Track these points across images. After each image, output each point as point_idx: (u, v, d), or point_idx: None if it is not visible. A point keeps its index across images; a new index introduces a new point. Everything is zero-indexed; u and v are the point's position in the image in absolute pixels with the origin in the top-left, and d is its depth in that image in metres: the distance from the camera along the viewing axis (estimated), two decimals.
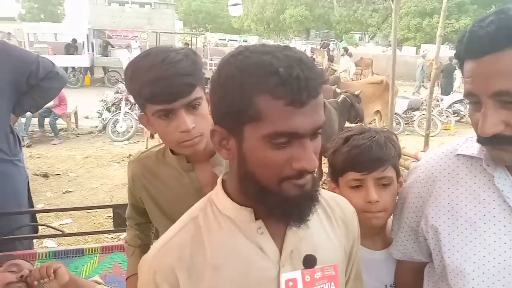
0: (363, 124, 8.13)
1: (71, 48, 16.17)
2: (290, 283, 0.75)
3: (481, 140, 0.88)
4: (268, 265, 0.76)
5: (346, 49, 15.88)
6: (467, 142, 0.99)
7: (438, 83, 12.74)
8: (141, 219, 1.43)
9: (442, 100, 10.52)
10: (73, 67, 15.68)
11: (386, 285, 1.22)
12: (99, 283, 1.62)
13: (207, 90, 1.10)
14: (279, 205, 0.72)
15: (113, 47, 17.14)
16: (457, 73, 13.19)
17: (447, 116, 10.12)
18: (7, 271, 1.56)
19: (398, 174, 1.20)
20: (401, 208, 1.13)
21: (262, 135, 0.67)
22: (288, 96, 0.64)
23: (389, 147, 1.16)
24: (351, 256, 0.91)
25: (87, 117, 9.69)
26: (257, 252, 0.76)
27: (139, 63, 1.09)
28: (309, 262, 0.77)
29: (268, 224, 0.77)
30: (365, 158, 1.13)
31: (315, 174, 0.77)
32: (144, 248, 1.43)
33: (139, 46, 16.17)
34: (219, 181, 0.83)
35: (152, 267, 0.77)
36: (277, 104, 0.65)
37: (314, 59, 18.34)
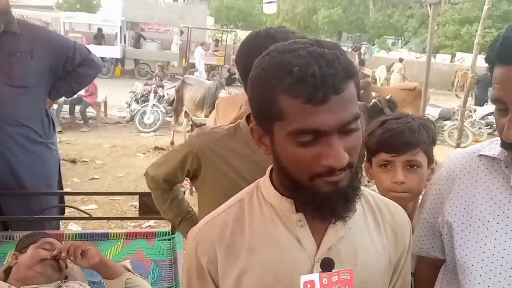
0: None
1: (99, 37, 16.47)
2: (308, 285, 0.75)
3: (504, 145, 0.89)
4: (303, 258, 0.77)
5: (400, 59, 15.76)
6: (491, 144, 1.02)
7: (472, 93, 12.39)
8: (165, 186, 1.45)
9: (475, 111, 10.23)
10: (103, 58, 16.00)
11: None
12: (128, 270, 1.63)
13: None
14: (310, 200, 0.73)
15: (145, 39, 17.38)
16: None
17: (479, 128, 9.82)
18: (41, 247, 1.60)
19: (430, 160, 1.25)
20: (423, 204, 1.18)
21: (286, 133, 0.69)
22: (304, 94, 0.65)
23: (422, 133, 1.21)
24: (398, 267, 0.89)
25: (117, 108, 9.88)
26: (294, 243, 0.77)
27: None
28: (327, 265, 0.77)
29: (310, 219, 0.78)
30: (396, 141, 1.20)
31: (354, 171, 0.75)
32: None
33: (180, 41, 16.35)
34: (268, 169, 0.85)
35: (196, 239, 0.83)
36: (295, 102, 0.66)
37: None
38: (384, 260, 0.84)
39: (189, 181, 1.44)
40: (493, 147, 1.00)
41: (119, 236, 2.20)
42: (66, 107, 8.11)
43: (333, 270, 0.77)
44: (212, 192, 1.28)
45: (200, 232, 0.83)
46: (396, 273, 0.89)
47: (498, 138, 0.94)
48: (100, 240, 2.17)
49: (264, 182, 0.84)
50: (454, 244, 0.99)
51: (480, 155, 1.01)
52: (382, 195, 1.23)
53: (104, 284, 1.86)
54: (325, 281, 0.76)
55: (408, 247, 0.91)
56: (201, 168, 1.28)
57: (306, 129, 0.67)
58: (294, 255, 0.77)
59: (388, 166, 1.23)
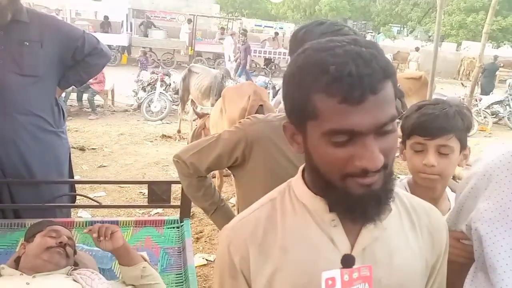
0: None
1: (105, 25, 16.42)
2: (330, 282, 0.75)
3: None
4: (337, 258, 0.76)
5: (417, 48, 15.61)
6: None
7: (478, 82, 12.28)
8: (203, 174, 1.45)
9: (480, 100, 10.16)
10: (109, 45, 15.99)
11: None
12: (145, 260, 1.67)
13: None
14: (342, 200, 0.72)
15: (155, 27, 17.28)
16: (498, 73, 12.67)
17: (485, 117, 9.77)
18: (47, 236, 1.62)
19: (462, 146, 1.28)
20: (457, 196, 1.14)
21: (320, 133, 0.68)
22: (341, 94, 0.64)
23: (457, 120, 1.24)
24: (434, 269, 0.87)
25: (124, 96, 9.91)
26: (327, 243, 0.77)
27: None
28: (348, 261, 0.76)
29: (344, 219, 0.77)
30: (430, 125, 1.24)
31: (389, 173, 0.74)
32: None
33: (189, 29, 16.23)
34: (300, 168, 0.84)
35: (228, 237, 0.83)
36: (331, 102, 0.65)
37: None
38: (421, 263, 0.82)
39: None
40: None
41: (129, 224, 2.23)
42: (73, 95, 8.15)
43: (354, 267, 0.76)
44: (265, 179, 1.26)
45: (233, 230, 0.83)
46: (432, 277, 0.87)
47: None
48: None
49: (297, 181, 0.83)
50: (485, 241, 0.94)
51: None
52: (412, 176, 1.31)
53: (115, 271, 1.92)
54: (346, 278, 0.76)
55: (445, 250, 0.89)
56: (251, 156, 1.27)
57: (341, 129, 0.66)
58: (327, 256, 0.76)
59: (421, 149, 1.27)
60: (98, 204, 2.35)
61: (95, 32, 15.60)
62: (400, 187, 1.35)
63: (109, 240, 1.56)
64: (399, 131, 1.31)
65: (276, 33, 18.11)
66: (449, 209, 1.31)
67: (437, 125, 1.23)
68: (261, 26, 20.99)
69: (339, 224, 0.77)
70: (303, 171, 0.83)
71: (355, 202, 0.71)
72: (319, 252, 0.76)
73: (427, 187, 1.30)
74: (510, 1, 27.19)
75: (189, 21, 16.78)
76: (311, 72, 0.67)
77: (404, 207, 0.85)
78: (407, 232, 0.82)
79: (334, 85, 0.64)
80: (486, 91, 12.06)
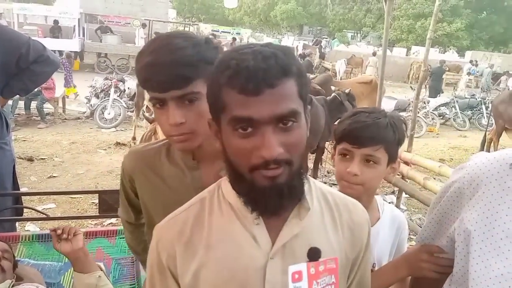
0: None
1: (55, 30, 15.87)
2: (296, 276, 0.77)
3: None
4: (258, 254, 0.79)
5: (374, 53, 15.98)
6: None
7: (425, 86, 12.90)
8: (140, 219, 1.31)
9: (428, 102, 10.67)
10: (60, 51, 15.45)
11: None
12: (101, 269, 1.62)
13: None
14: (247, 192, 0.77)
15: (112, 32, 16.85)
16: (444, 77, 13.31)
17: (433, 119, 10.27)
18: None
19: (391, 159, 1.25)
20: (437, 201, 1.11)
21: (226, 122, 0.74)
22: (238, 85, 0.70)
23: (388, 131, 1.22)
24: (355, 265, 0.91)
25: (76, 103, 9.60)
26: (249, 240, 0.80)
27: (145, 46, 1.04)
28: (314, 254, 0.79)
29: (267, 217, 0.80)
30: (359, 133, 1.21)
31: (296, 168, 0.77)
32: None
33: (145, 34, 15.89)
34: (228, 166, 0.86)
35: (157, 235, 0.86)
36: (232, 93, 0.71)
37: (306, 55, 18.38)
38: (340, 258, 0.85)
39: None
40: None
41: None
42: (21, 103, 7.81)
43: (320, 260, 0.79)
44: (155, 209, 1.19)
45: (162, 229, 0.86)
46: (354, 270, 0.91)
47: None
48: None
49: (225, 180, 0.86)
50: (470, 254, 0.92)
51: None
52: (337, 182, 1.29)
53: (64, 285, 1.86)
54: (313, 271, 0.78)
55: (366, 245, 0.92)
56: (136, 189, 1.21)
57: (241, 116, 0.71)
58: (249, 253, 0.79)
59: (347, 156, 1.24)
60: (45, 216, 2.27)
61: (44, 37, 15.04)
62: None
63: (69, 241, 1.50)
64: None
65: (234, 38, 18.22)
66: (378, 219, 1.31)
67: (366, 134, 1.20)
68: (218, 31, 21.01)
69: (261, 223, 0.81)
70: None
71: (259, 193, 0.75)
72: (241, 249, 0.80)
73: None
74: (454, 9, 28.81)
75: (144, 25, 16.52)
76: (219, 68, 0.74)
77: (327, 204, 0.89)
78: (327, 228, 0.86)
79: (234, 77, 0.71)
80: (434, 94, 12.67)
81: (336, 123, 1.37)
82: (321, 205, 0.88)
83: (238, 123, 0.72)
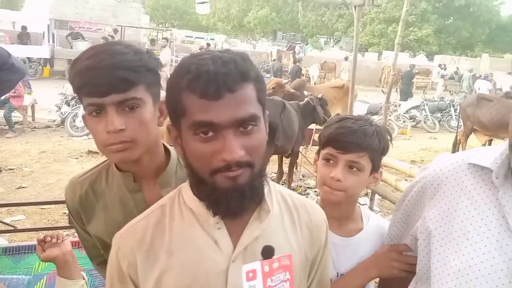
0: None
1: (24, 36, 15.40)
2: (250, 274, 0.79)
3: None
4: (220, 258, 0.80)
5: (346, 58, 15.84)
6: (482, 152, 0.96)
7: (397, 89, 13.20)
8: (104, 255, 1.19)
9: (399, 105, 10.93)
10: (29, 58, 15.06)
11: (338, 273, 1.25)
12: (84, 279, 1.58)
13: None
14: (209, 195, 0.78)
15: (84, 38, 16.50)
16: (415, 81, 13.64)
17: (404, 121, 10.53)
18: None
19: (374, 168, 1.24)
20: (402, 201, 1.15)
21: (187, 127, 0.75)
22: (199, 89, 0.71)
23: (374, 139, 1.21)
24: (315, 264, 0.94)
25: (46, 111, 9.36)
26: (211, 245, 0.81)
27: (84, 53, 0.98)
28: (268, 253, 0.81)
29: (228, 221, 0.82)
30: (345, 138, 1.20)
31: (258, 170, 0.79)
32: None
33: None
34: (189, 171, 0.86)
35: (117, 243, 0.86)
36: (193, 97, 0.72)
37: (280, 60, 18.53)
38: (300, 258, 0.88)
39: None
40: (484, 156, 0.93)
41: None
42: None
43: (274, 257, 0.81)
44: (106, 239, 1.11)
45: (121, 237, 0.86)
46: (313, 269, 0.95)
47: (489, 147, 0.92)
48: (28, 253, 2.09)
49: (186, 187, 0.86)
50: (431, 252, 0.95)
51: (470, 163, 0.95)
52: (319, 187, 1.27)
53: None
54: (267, 269, 0.80)
55: (325, 244, 0.96)
56: (84, 221, 1.14)
57: (202, 121, 0.72)
58: (211, 257, 0.80)
59: (331, 161, 1.23)
60: (12, 228, 2.20)
61: (12, 43, 14.63)
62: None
63: (56, 246, 1.43)
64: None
65: (208, 44, 18.17)
66: (361, 230, 1.29)
67: (352, 140, 1.19)
68: (191, 37, 20.94)
69: (223, 227, 0.82)
70: None
71: (220, 195, 0.76)
72: (202, 254, 0.81)
73: (331, 204, 1.25)
74: (423, 14, 29.66)
75: (115, 31, 16.30)
76: (179, 73, 0.75)
77: (287, 207, 0.92)
78: (287, 229, 0.88)
79: (194, 82, 0.72)
80: (404, 98, 12.98)
81: (322, 127, 1.35)
82: (280, 207, 0.90)
83: (199, 128, 0.73)
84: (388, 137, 1.27)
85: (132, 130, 0.96)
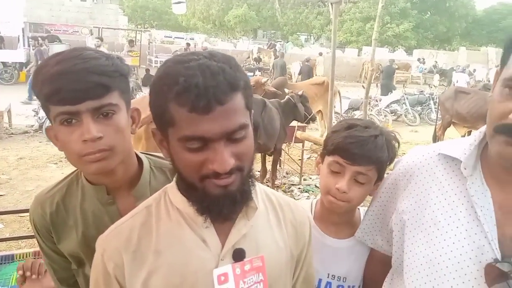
0: (319, 122, 8.11)
1: None
2: (222, 278, 0.78)
3: (500, 128, 0.82)
4: (208, 257, 0.80)
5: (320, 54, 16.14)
6: (453, 143, 0.98)
7: (377, 84, 13.36)
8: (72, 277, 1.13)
9: (380, 100, 11.07)
10: (4, 63, 14.72)
11: (329, 274, 1.25)
12: None
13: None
14: (200, 200, 0.78)
15: (60, 41, 16.20)
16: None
17: (385, 115, 10.65)
18: None
19: (379, 178, 1.20)
20: (377, 194, 1.17)
21: (176, 138, 0.74)
22: (188, 103, 0.69)
23: (383, 152, 1.16)
24: (300, 259, 0.95)
25: (23, 116, 9.16)
26: (199, 244, 0.81)
27: (49, 59, 0.92)
28: (239, 255, 0.81)
29: (215, 220, 0.81)
30: (355, 150, 1.15)
31: (252, 173, 0.80)
32: None
33: (98, 42, 15.23)
34: (177, 174, 0.85)
35: (102, 246, 0.84)
36: (182, 111, 0.70)
37: (260, 59, 18.57)
38: (286, 254, 0.89)
39: None
40: (455, 147, 0.95)
41: (27, 256, 2.07)
42: None
43: (245, 259, 0.80)
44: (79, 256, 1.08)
45: (106, 239, 0.84)
46: (299, 265, 0.96)
47: (460, 138, 0.92)
48: (5, 263, 2.04)
49: (172, 187, 0.86)
50: (404, 242, 0.97)
51: (440, 154, 0.98)
52: (322, 195, 1.24)
53: None
54: (238, 271, 0.79)
55: (309, 241, 0.97)
56: (55, 240, 1.07)
57: (193, 136, 0.71)
58: (199, 255, 0.80)
59: (338, 171, 1.19)
60: None
61: None
62: (307, 204, 1.36)
63: (37, 281, 1.30)
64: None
65: (188, 44, 18.07)
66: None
67: (362, 152, 1.14)
68: (171, 37, 20.79)
69: (210, 226, 0.82)
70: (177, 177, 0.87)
71: (212, 201, 0.76)
72: (191, 253, 0.80)
73: (331, 211, 1.23)
74: (403, 11, 30.09)
75: (91, 32, 16.05)
76: (166, 82, 0.72)
77: (272, 205, 0.92)
78: (273, 227, 0.89)
79: (183, 95, 0.69)
80: (385, 92, 13.13)
81: (330, 131, 1.30)
82: (266, 205, 0.91)
83: (188, 141, 0.72)
84: (396, 145, 1.23)
85: (109, 137, 0.92)
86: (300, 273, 0.96)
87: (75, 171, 1.11)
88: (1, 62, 14.66)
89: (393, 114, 11.32)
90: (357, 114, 9.75)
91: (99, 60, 0.91)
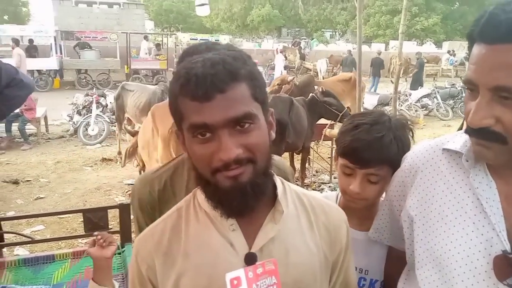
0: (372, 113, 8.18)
1: (32, 50, 15.55)
2: (235, 282, 0.77)
3: (468, 130, 0.85)
4: (236, 260, 0.80)
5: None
6: (455, 137, 0.98)
7: (406, 79, 13.06)
8: None
9: (410, 94, 10.81)
10: (39, 71, 15.26)
11: (356, 268, 1.22)
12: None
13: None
14: (213, 194, 0.79)
15: (91, 48, 16.70)
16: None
17: (416, 111, 10.40)
18: None
19: (395, 170, 1.15)
20: (387, 192, 1.16)
21: (186, 130, 0.76)
22: (190, 92, 0.72)
23: (392, 148, 1.14)
24: (337, 265, 0.92)
25: (57, 122, 9.49)
26: (226, 247, 0.81)
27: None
28: (251, 259, 0.80)
29: (243, 223, 0.82)
30: (361, 154, 1.14)
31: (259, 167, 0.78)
32: None
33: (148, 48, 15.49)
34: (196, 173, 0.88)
35: (136, 247, 0.88)
36: (186, 100, 0.74)
37: (286, 57, 18.49)
38: (319, 259, 0.86)
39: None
40: (456, 140, 0.96)
41: (66, 256, 2.15)
42: (2, 126, 7.69)
43: (257, 263, 0.79)
44: None
45: (139, 241, 0.88)
46: (335, 271, 0.92)
47: (463, 131, 0.91)
48: (46, 263, 2.11)
49: (199, 189, 0.86)
50: (414, 238, 0.97)
51: (444, 148, 0.98)
52: (341, 193, 1.27)
53: None
54: (251, 275, 0.78)
55: (346, 245, 0.93)
56: (157, 211, 1.17)
57: (196, 123, 0.73)
58: (227, 258, 0.80)
59: (349, 173, 1.19)
60: (30, 239, 2.24)
61: None
62: (332, 195, 1.37)
63: (101, 248, 1.48)
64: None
65: None
66: None
67: (368, 155, 1.13)
68: (196, 39, 20.98)
69: (237, 229, 0.82)
70: None
71: (223, 194, 0.76)
72: (218, 256, 0.81)
73: (350, 207, 1.23)
74: (428, 3, 29.30)
75: (114, 37, 16.34)
76: (174, 78, 0.76)
77: (303, 207, 0.90)
78: (304, 230, 0.87)
79: (185, 85, 0.73)
80: (415, 86, 12.82)
81: (338, 130, 1.30)
82: (296, 207, 0.89)
83: (195, 130, 0.74)
84: (410, 133, 1.22)
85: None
86: (337, 279, 0.93)
87: (180, 155, 1.20)
88: (36, 70, 15.21)
89: (424, 108, 11.03)
90: (387, 110, 9.58)
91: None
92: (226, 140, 0.73)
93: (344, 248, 0.93)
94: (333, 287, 0.93)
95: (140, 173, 4.88)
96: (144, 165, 4.35)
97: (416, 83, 13.28)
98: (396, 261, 1.18)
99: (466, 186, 0.91)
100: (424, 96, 11.16)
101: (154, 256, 0.83)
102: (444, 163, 0.97)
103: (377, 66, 15.54)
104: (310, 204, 0.91)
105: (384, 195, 1.22)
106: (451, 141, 0.97)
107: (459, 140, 0.94)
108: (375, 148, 1.13)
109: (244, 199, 0.76)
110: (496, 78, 0.75)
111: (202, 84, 0.71)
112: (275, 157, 1.19)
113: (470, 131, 0.84)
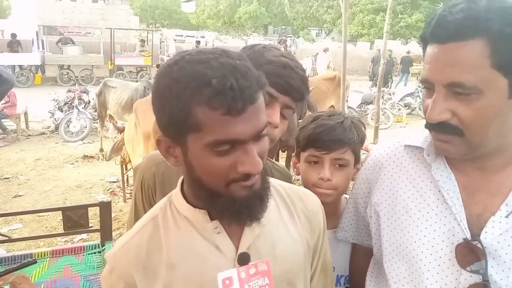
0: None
1: (14, 44, 15.24)
2: (227, 282, 0.76)
3: (428, 126, 0.89)
4: (224, 263, 0.78)
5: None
6: (416, 134, 1.02)
7: (390, 77, 13.20)
8: None
9: (394, 93, 10.93)
10: (20, 66, 14.96)
11: None
12: None
13: None
14: (228, 206, 0.74)
15: (74, 43, 16.40)
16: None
17: (399, 109, 10.53)
18: None
19: (356, 160, 1.26)
20: (352, 190, 1.20)
21: (204, 144, 0.69)
22: (224, 106, 0.65)
23: (353, 132, 1.22)
24: (317, 249, 0.93)
25: (38, 118, 9.31)
26: (213, 250, 0.78)
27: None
28: (244, 259, 0.79)
29: (226, 224, 0.79)
30: (326, 137, 1.19)
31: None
32: None
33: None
34: (179, 182, 0.85)
35: (110, 264, 0.81)
36: (214, 114, 0.66)
37: None
38: (303, 247, 0.87)
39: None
40: (417, 136, 1.01)
41: (45, 255, 2.10)
42: None
43: (250, 263, 0.78)
44: None
45: (114, 257, 0.81)
46: (316, 256, 0.94)
47: (423, 128, 0.94)
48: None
49: (176, 195, 0.83)
50: (380, 233, 1.01)
51: (405, 145, 1.02)
52: (308, 188, 1.23)
53: None
54: (243, 275, 0.77)
55: (323, 229, 0.95)
56: (156, 194, 1.15)
57: (226, 139, 0.67)
58: (215, 262, 0.78)
59: (316, 162, 1.22)
60: (6, 238, 2.19)
61: (2, 52, 14.55)
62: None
63: None
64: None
65: (198, 42, 18.10)
66: None
67: (333, 138, 1.19)
68: (182, 36, 20.80)
69: (222, 231, 0.79)
70: (182, 184, 0.84)
71: (241, 204, 0.73)
72: (206, 261, 0.78)
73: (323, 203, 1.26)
74: (414, 1, 29.63)
75: (98, 33, 16.13)
76: (189, 85, 0.66)
77: (281, 198, 0.90)
78: (286, 221, 0.87)
79: (217, 98, 0.65)
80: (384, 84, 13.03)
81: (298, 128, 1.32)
82: (275, 199, 0.88)
83: (220, 145, 0.68)
84: (363, 126, 1.29)
85: None
86: (318, 263, 0.95)
87: None
88: (18, 65, 14.91)
89: (407, 107, 11.17)
90: (370, 108, 9.67)
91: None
92: (255, 153, 0.70)
93: (322, 232, 0.95)
94: (315, 271, 0.95)
95: (122, 168, 4.82)
96: (129, 161, 4.32)
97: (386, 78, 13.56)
98: (361, 256, 1.22)
99: (428, 180, 0.95)
100: (407, 95, 11.31)
101: (133, 272, 0.78)
102: (406, 159, 1.01)
103: (407, 64, 16.23)
104: (286, 193, 0.92)
105: (348, 195, 1.26)
106: (412, 138, 1.02)
107: (420, 136, 0.99)
108: (337, 131, 1.19)
109: (261, 205, 0.76)
110: (449, 75, 0.80)
111: (239, 98, 0.66)
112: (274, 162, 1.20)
113: (429, 126, 0.88)
